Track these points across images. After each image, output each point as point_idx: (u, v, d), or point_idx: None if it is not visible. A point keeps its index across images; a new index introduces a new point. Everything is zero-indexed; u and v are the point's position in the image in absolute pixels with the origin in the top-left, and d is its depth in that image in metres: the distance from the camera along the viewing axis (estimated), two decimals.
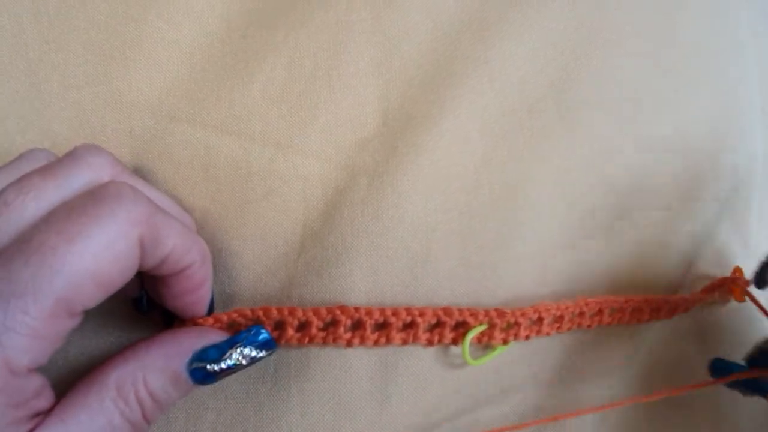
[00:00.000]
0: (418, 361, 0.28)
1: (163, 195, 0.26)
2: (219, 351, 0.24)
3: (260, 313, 0.26)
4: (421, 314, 0.27)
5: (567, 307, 0.29)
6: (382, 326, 0.27)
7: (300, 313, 0.26)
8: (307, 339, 0.27)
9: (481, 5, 0.30)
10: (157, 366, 0.23)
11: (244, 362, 0.24)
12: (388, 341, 0.27)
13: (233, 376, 0.28)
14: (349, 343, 0.27)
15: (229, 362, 0.24)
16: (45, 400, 0.21)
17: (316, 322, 0.26)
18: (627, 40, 0.31)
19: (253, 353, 0.25)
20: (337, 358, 0.28)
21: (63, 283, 0.20)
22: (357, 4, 0.29)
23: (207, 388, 0.28)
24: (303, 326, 0.27)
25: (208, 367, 0.24)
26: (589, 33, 0.31)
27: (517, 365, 0.30)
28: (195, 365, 0.24)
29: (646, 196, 0.32)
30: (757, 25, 0.36)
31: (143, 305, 0.27)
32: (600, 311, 0.30)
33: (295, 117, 0.28)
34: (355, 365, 0.28)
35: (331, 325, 0.27)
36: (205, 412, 0.27)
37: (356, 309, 0.27)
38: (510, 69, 0.30)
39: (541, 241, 0.30)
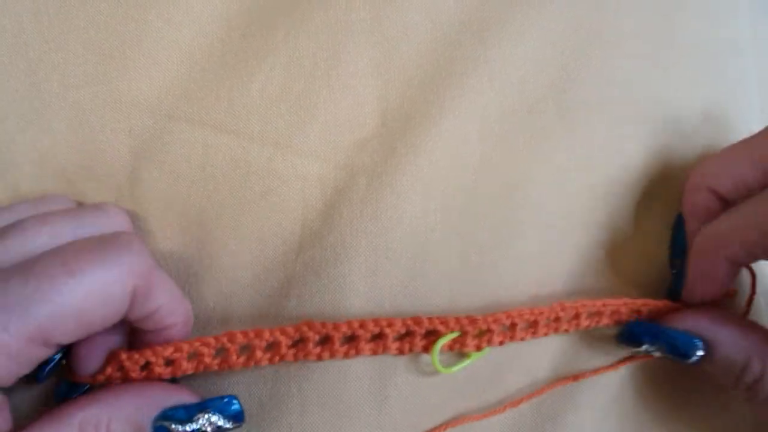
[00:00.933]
0: (416, 362, 0.28)
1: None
2: (187, 413, 0.24)
3: (224, 339, 0.26)
4: (390, 324, 0.27)
5: (541, 312, 0.28)
6: (351, 339, 0.27)
7: (267, 334, 0.26)
8: (277, 358, 0.26)
9: (480, 5, 0.30)
10: (123, 414, 0.23)
11: (208, 429, 0.24)
12: (358, 353, 0.27)
13: (232, 378, 0.28)
14: (319, 357, 0.27)
15: (194, 426, 0.23)
16: (3, 421, 0.22)
17: (284, 341, 0.26)
18: (626, 41, 0.31)
19: (220, 423, 0.24)
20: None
21: (49, 312, 0.20)
22: (356, 4, 0.29)
23: (206, 388, 0.27)
24: (271, 346, 0.26)
25: (173, 427, 0.23)
26: (588, 34, 0.31)
27: (515, 366, 0.30)
28: (160, 422, 0.23)
29: (645, 197, 0.32)
30: (756, 25, 0.36)
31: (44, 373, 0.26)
32: (577, 315, 0.29)
33: (294, 117, 0.28)
34: (354, 366, 0.28)
35: (300, 342, 0.27)
36: None
37: (323, 324, 0.26)
38: (510, 69, 0.30)
39: (540, 241, 0.30)
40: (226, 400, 0.24)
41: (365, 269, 0.28)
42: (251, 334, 0.26)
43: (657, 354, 0.29)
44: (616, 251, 0.31)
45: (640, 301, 0.30)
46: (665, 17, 0.32)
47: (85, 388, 0.26)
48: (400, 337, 0.28)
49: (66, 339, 0.22)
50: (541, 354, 0.31)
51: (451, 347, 0.28)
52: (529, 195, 0.29)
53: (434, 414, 0.29)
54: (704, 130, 0.33)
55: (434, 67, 0.29)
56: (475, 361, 0.28)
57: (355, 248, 0.28)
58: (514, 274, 0.29)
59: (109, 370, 0.25)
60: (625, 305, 0.29)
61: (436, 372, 0.28)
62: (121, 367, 0.25)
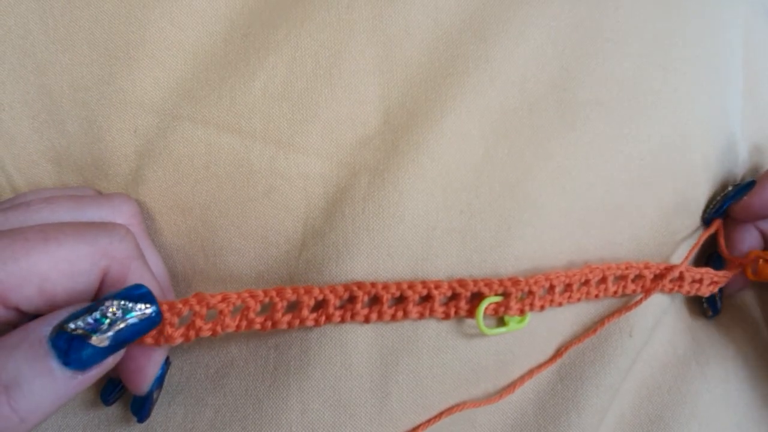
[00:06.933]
0: (418, 359, 0.28)
1: (160, 262, 0.28)
2: (86, 308, 0.21)
3: (273, 293, 0.26)
4: (437, 287, 0.27)
5: (574, 274, 0.30)
6: (399, 300, 0.27)
7: (316, 292, 0.26)
8: (324, 318, 0.26)
9: (481, 4, 0.30)
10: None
11: (117, 314, 0.21)
12: (405, 315, 0.27)
13: (232, 374, 0.28)
14: (366, 319, 0.27)
15: (97, 315, 0.21)
16: None
17: (333, 300, 0.26)
18: (627, 39, 0.31)
19: (127, 305, 0.21)
20: (337, 355, 0.27)
21: (12, 270, 0.20)
22: (358, 2, 0.29)
23: (206, 384, 0.28)
24: (320, 305, 0.27)
25: (73, 325, 0.20)
26: (589, 32, 0.31)
27: (516, 365, 0.30)
28: (57, 329, 0.20)
29: (643, 195, 0.32)
30: (754, 24, 0.36)
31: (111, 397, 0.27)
32: (604, 279, 0.31)
33: (296, 115, 0.28)
34: (355, 363, 0.28)
35: (349, 302, 0.27)
36: (203, 409, 0.27)
37: (373, 284, 0.27)
38: (511, 68, 0.30)
39: (541, 240, 0.30)
40: (130, 286, 0.22)
41: (367, 266, 0.28)
42: (301, 290, 0.26)
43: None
44: (614, 249, 0.31)
45: (662, 265, 0.31)
46: (666, 16, 0.32)
47: (120, 387, 0.27)
48: (446, 301, 0.28)
49: (25, 304, 0.21)
50: (543, 355, 0.31)
51: (495, 311, 0.28)
52: (530, 194, 0.29)
53: (435, 410, 0.29)
54: (702, 128, 0.33)
55: (436, 65, 0.29)
56: (513, 330, 0.29)
57: (357, 246, 0.28)
58: (514, 273, 0.29)
59: None
60: (647, 268, 0.31)
61: (437, 368, 0.28)
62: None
